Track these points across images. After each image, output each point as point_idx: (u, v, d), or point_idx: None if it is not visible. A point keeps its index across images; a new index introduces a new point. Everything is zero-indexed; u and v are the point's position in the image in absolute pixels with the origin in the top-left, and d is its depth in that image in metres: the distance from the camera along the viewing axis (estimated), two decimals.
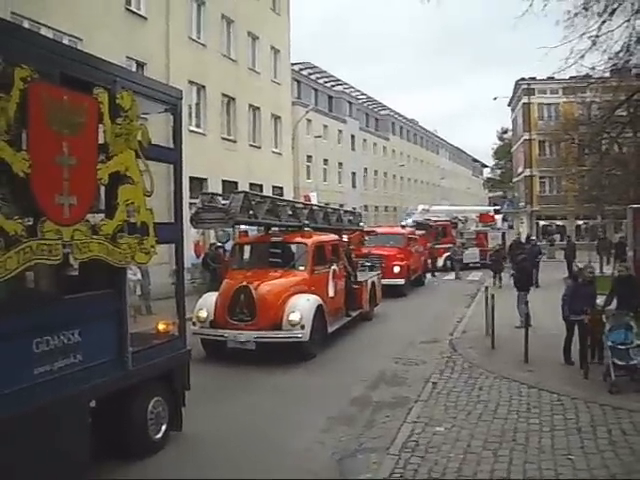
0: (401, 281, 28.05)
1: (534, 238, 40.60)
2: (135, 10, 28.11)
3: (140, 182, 8.33)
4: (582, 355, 13.10)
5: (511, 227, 64.77)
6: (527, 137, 72.54)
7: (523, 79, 71.80)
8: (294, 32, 45.74)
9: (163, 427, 9.36)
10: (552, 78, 46.98)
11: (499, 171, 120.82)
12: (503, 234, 44.24)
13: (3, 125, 6.14)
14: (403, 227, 34.86)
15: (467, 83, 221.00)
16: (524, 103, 72.92)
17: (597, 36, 19.24)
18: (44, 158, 6.73)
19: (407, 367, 14.52)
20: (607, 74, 24.13)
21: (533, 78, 68.85)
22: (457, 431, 9.61)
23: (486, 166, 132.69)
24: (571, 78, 31.95)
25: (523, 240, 38.23)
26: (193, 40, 32.72)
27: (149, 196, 8.50)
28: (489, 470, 8.06)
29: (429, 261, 36.25)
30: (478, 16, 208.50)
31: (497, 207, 55.01)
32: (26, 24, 18.06)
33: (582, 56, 19.37)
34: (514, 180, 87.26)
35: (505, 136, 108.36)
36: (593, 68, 21.25)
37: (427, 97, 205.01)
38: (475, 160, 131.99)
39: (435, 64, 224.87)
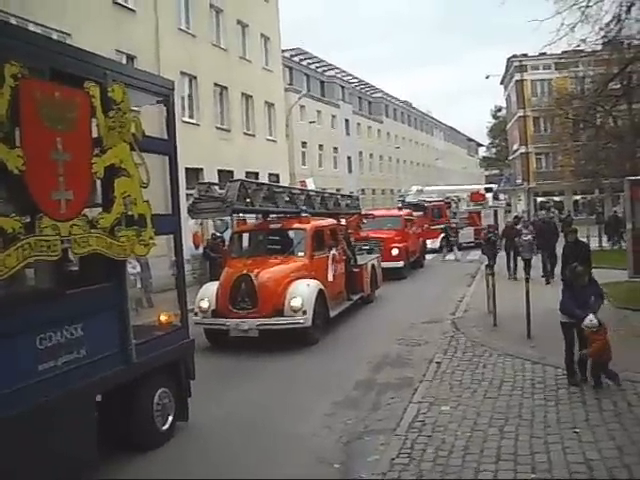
0: (400, 263, 28.03)
1: (550, 213, 36.25)
2: (123, 3, 28.04)
3: (136, 174, 8.32)
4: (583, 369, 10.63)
5: (508, 205, 64.68)
6: (521, 114, 72.42)
7: (515, 56, 71.59)
8: (285, 17, 45.68)
9: (170, 418, 9.39)
10: (544, 54, 46.87)
11: (494, 149, 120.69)
12: (495, 212, 43.98)
13: None
14: (400, 209, 34.75)
15: (459, 63, 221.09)
16: (517, 80, 72.79)
17: (587, 6, 19.12)
18: (38, 154, 6.72)
19: (410, 348, 14.55)
20: (599, 47, 23.99)
21: (525, 55, 68.62)
22: (463, 409, 9.64)
23: (481, 145, 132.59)
24: (563, 53, 31.75)
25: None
26: (182, 31, 32.67)
27: (145, 188, 8.50)
28: (496, 447, 8.07)
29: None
30: None
31: (488, 186, 54.60)
32: (13, 21, 17.94)
33: (573, 27, 19.22)
34: (510, 158, 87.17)
35: (499, 114, 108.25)
36: (584, 40, 21.08)
37: (419, 79, 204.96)
38: (470, 139, 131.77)
39: (427, 45, 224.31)
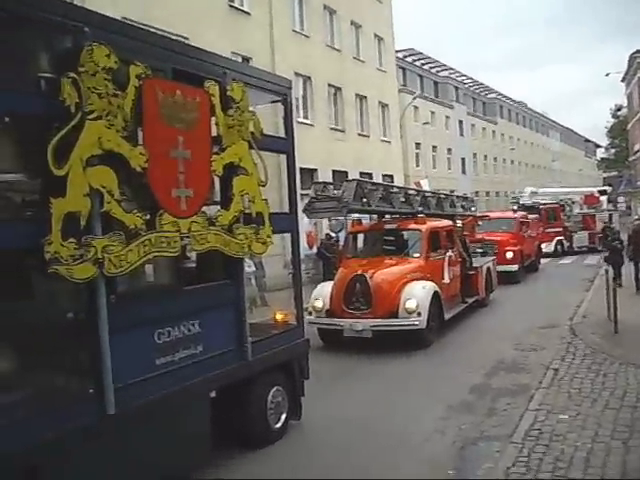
0: (515, 267, 27.48)
1: None
2: (238, 6, 28.52)
3: (254, 173, 8.38)
4: None
5: (629, 208, 62.50)
6: None
7: (638, 51, 69.04)
8: (399, 17, 45.68)
9: (283, 416, 9.41)
10: None
11: (613, 150, 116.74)
12: (610, 216, 42.48)
13: (120, 122, 6.27)
14: (515, 211, 34.07)
15: (577, 61, 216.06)
16: None
17: None
18: (160, 152, 6.83)
19: (526, 353, 14.17)
20: None
21: None
22: (582, 419, 9.21)
23: (599, 146, 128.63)
24: None
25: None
26: (297, 32, 32.99)
27: (264, 186, 8.55)
28: (620, 462, 7.65)
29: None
30: None
31: (602, 188, 52.58)
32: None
33: None
34: (631, 159, 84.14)
35: (620, 113, 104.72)
36: None
37: (535, 78, 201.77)
38: (587, 140, 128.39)
39: (544, 43, 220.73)
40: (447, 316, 16.45)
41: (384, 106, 42.58)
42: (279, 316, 10.03)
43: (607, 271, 18.88)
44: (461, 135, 67.86)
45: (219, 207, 8.10)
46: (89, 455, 6.07)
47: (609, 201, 47.51)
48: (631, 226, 26.24)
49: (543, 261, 34.52)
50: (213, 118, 7.86)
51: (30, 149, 6.10)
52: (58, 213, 5.69)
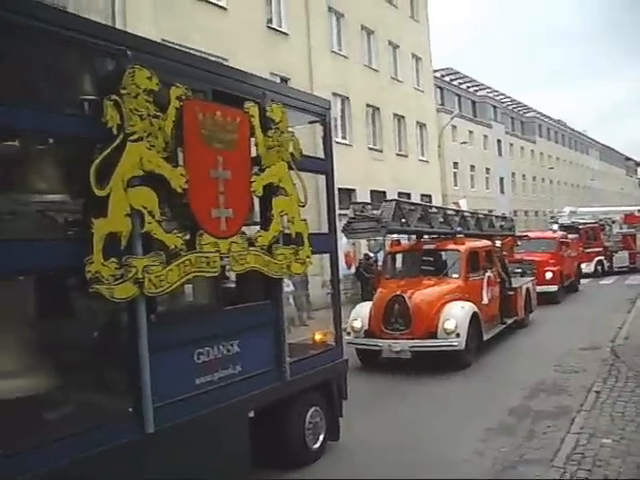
0: (554, 287, 27.15)
1: None
2: (276, 27, 28.76)
3: (293, 193, 8.40)
4: None
5: None
6: None
7: None
8: (436, 37, 45.79)
9: (321, 437, 9.34)
10: None
11: None
12: None
13: (161, 143, 6.32)
14: (554, 231, 33.77)
15: (618, 78, 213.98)
16: None
17: None
18: (200, 173, 6.87)
19: (567, 375, 13.95)
20: None
21: None
22: (626, 444, 8.98)
23: None
24: None
25: None
26: (334, 52, 33.16)
27: (303, 207, 8.58)
28: None
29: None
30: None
31: None
32: None
33: None
34: None
35: None
36: None
37: (574, 96, 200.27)
38: (628, 159, 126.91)
39: (584, 60, 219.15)
40: (486, 337, 16.31)
41: (422, 126, 42.59)
42: (318, 336, 10.00)
43: None
44: (499, 154, 67.48)
45: (259, 227, 8.13)
46: (128, 474, 6.06)
47: None
48: None
49: (583, 281, 34.07)
50: (253, 139, 7.89)
51: (73, 170, 6.18)
52: (100, 233, 5.73)
